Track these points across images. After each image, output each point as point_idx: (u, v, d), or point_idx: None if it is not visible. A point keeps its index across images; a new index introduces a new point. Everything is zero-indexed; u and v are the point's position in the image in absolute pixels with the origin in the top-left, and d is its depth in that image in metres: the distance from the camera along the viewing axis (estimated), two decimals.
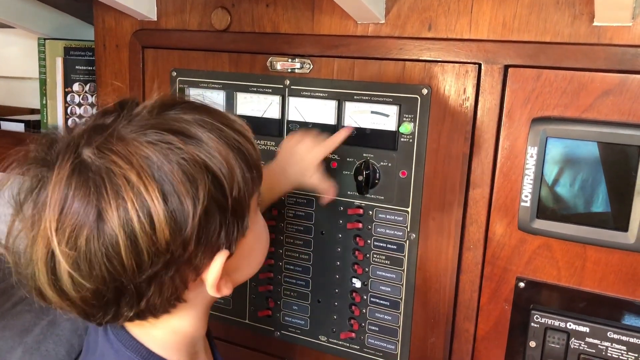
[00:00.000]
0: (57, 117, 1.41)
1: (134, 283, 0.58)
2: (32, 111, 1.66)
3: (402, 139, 0.97)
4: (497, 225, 0.94)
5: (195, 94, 1.13)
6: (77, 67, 1.39)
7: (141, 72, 1.19)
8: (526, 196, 0.89)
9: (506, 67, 0.90)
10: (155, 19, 1.18)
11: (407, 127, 0.95)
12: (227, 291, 0.66)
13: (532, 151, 0.87)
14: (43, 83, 1.41)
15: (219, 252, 0.63)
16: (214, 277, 0.63)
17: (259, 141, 1.10)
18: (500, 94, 0.90)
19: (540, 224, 0.89)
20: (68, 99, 1.39)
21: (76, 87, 1.39)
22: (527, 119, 0.89)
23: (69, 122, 1.40)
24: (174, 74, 1.16)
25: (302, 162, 0.96)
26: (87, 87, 1.40)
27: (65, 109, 1.40)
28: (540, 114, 0.88)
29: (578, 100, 0.86)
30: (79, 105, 1.41)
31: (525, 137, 0.89)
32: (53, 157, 0.59)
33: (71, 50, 1.38)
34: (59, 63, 1.38)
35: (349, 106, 1.01)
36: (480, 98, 0.92)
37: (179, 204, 0.57)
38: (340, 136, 0.97)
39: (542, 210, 0.88)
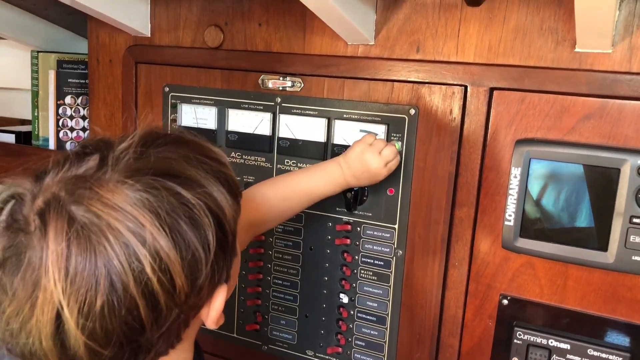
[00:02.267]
0: (48, 129, 1.42)
1: (149, 340, 0.55)
2: (23, 122, 1.67)
3: None
4: (481, 243, 0.96)
5: (188, 110, 1.15)
6: (69, 79, 1.40)
7: (134, 87, 1.20)
8: (510, 215, 0.91)
9: (491, 90, 0.92)
10: (149, 35, 1.19)
11: (395, 146, 0.97)
12: (222, 321, 0.64)
13: (516, 172, 0.90)
14: (35, 95, 1.42)
15: (220, 287, 0.60)
16: (216, 314, 0.61)
17: (249, 157, 1.11)
18: (486, 116, 0.93)
19: (524, 243, 0.91)
20: (60, 111, 1.40)
21: (68, 99, 1.40)
22: (511, 140, 0.92)
23: (60, 134, 1.41)
24: (167, 89, 1.17)
25: (375, 176, 0.94)
26: (79, 100, 1.41)
27: (57, 121, 1.41)
28: (524, 135, 0.91)
29: (561, 123, 0.89)
30: (71, 117, 1.42)
31: (509, 158, 0.92)
32: (21, 221, 0.52)
33: (64, 63, 1.40)
34: (52, 75, 1.39)
35: (339, 124, 1.03)
36: (466, 119, 0.94)
37: (192, 253, 0.54)
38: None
39: (525, 229, 0.91)
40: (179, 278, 0.53)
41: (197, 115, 1.14)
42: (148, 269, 0.51)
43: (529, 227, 0.90)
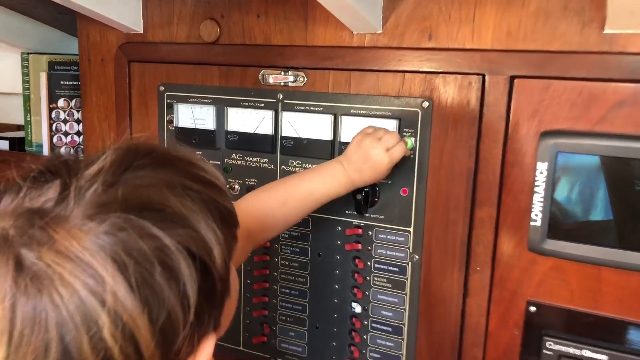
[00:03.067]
0: (41, 134, 1.35)
1: None
2: (19, 127, 1.61)
3: (404, 156, 0.91)
4: (505, 245, 0.88)
5: (184, 111, 1.07)
6: (62, 82, 1.33)
7: (127, 87, 1.13)
8: (536, 215, 0.83)
9: (512, 78, 0.84)
10: (142, 32, 1.12)
11: (407, 143, 0.90)
12: None
13: (542, 167, 0.82)
14: (27, 99, 1.36)
15: (207, 336, 0.51)
16: None
17: (251, 158, 1.04)
18: (506, 107, 0.85)
19: (552, 245, 0.83)
20: (53, 115, 1.34)
21: (61, 102, 1.34)
22: (535, 133, 0.84)
23: (54, 139, 1.35)
24: (162, 88, 1.10)
25: (378, 166, 0.85)
26: (72, 103, 1.34)
27: (50, 125, 1.34)
28: (549, 127, 0.83)
29: (589, 112, 0.81)
30: (65, 121, 1.35)
31: (534, 152, 0.84)
32: None
33: (56, 64, 1.33)
34: (43, 78, 1.32)
35: (346, 120, 0.95)
36: (484, 111, 0.87)
37: (167, 314, 0.44)
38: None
39: (554, 230, 0.83)
40: (147, 347, 0.43)
41: (194, 116, 1.06)
42: (107, 337, 0.42)
43: (557, 227, 0.83)
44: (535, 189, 0.83)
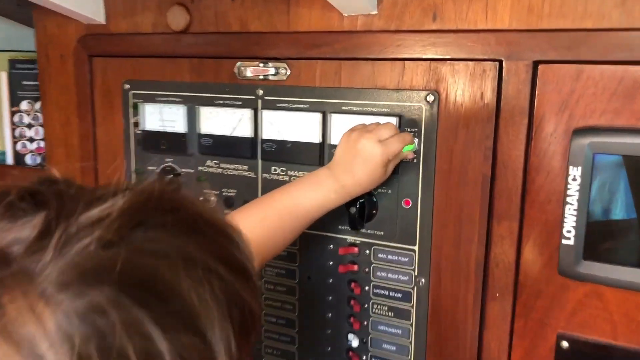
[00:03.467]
0: (4, 141, 1.21)
1: None
2: None
3: (404, 160, 0.77)
4: (530, 267, 0.73)
5: (152, 111, 0.93)
6: (24, 82, 1.19)
7: (89, 86, 0.99)
8: (569, 231, 0.68)
9: (535, 64, 0.69)
10: (104, 22, 0.98)
11: (410, 145, 0.75)
12: None
13: (575, 172, 0.66)
14: None
15: None
16: None
17: (228, 165, 0.89)
18: (529, 99, 0.70)
19: (588, 267, 0.68)
20: (16, 119, 1.20)
21: (24, 105, 1.20)
22: (565, 131, 0.69)
23: (18, 146, 1.21)
24: (127, 86, 0.96)
25: (370, 162, 0.71)
26: (36, 105, 1.20)
27: (13, 131, 1.20)
28: (582, 123, 0.68)
29: (634, 103, 0.65)
30: (29, 126, 1.21)
31: (564, 154, 0.69)
32: None
33: (17, 62, 1.19)
34: (4, 78, 1.18)
35: (336, 119, 0.80)
36: (502, 105, 0.71)
37: None
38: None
39: (591, 249, 0.67)
40: None
41: (162, 117, 0.92)
42: None
43: (595, 245, 0.67)
44: (567, 199, 0.67)
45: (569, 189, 0.67)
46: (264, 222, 0.72)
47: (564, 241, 0.68)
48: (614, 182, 0.66)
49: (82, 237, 0.33)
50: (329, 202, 0.73)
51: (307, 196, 0.73)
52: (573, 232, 0.67)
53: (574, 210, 0.67)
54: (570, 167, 0.67)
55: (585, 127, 0.67)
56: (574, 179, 0.67)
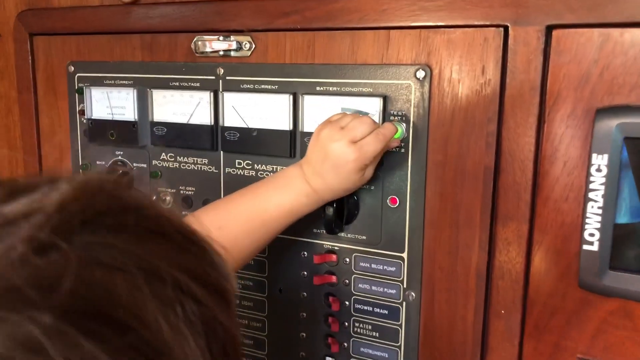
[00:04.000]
0: None
1: None
2: None
3: (389, 149, 0.64)
4: (542, 279, 0.60)
5: (99, 97, 0.80)
6: None
7: (30, 69, 0.86)
8: (591, 234, 0.55)
9: (549, 29, 0.56)
10: None
11: (397, 129, 0.62)
12: None
13: (600, 161, 0.54)
14: None
15: None
16: None
17: (185, 159, 0.76)
18: (541, 73, 0.57)
19: (616, 279, 0.55)
20: None
21: None
22: (586, 111, 0.56)
23: None
24: (71, 68, 0.83)
25: (341, 167, 0.59)
26: None
27: None
28: (608, 101, 0.55)
29: None
30: None
31: (585, 140, 0.56)
32: None
33: None
34: None
35: (310, 102, 0.67)
36: (508, 81, 0.58)
37: None
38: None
39: (619, 257, 0.54)
40: None
41: (110, 103, 0.79)
42: None
43: (624, 252, 0.54)
44: (590, 194, 0.54)
45: (591, 182, 0.54)
46: (222, 232, 0.59)
47: (585, 247, 0.55)
48: None
49: (3, 236, 0.24)
50: (300, 207, 0.61)
51: (275, 199, 0.61)
52: (597, 235, 0.54)
53: (599, 208, 0.54)
54: (594, 156, 0.54)
55: (612, 106, 0.54)
56: (599, 170, 0.54)
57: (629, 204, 0.54)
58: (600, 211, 0.54)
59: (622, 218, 0.54)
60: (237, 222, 0.61)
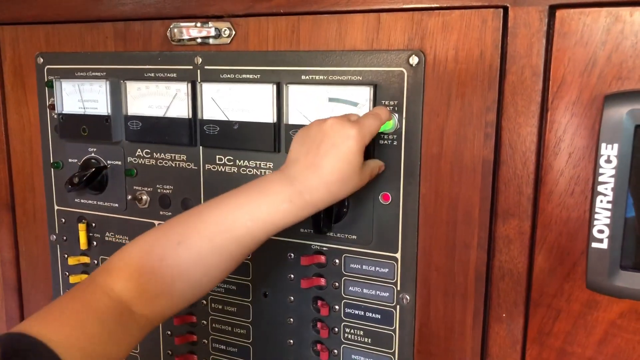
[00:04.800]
0: None
1: None
2: None
3: (380, 141, 0.59)
4: (546, 279, 0.56)
5: (70, 90, 0.74)
6: None
7: None
8: (601, 231, 0.50)
9: (552, 9, 0.52)
10: None
11: (387, 122, 0.57)
12: None
13: (610, 152, 0.49)
14: None
15: None
16: None
17: (162, 155, 0.71)
18: (544, 56, 0.53)
19: (627, 279, 0.51)
20: None
21: None
22: (594, 97, 0.51)
23: None
24: (40, 60, 0.78)
25: (344, 150, 0.52)
26: None
27: None
28: (617, 86, 0.51)
29: None
30: None
31: (593, 129, 0.51)
32: None
33: None
34: None
35: (295, 92, 0.63)
36: (508, 66, 0.54)
37: None
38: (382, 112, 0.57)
39: (631, 256, 0.50)
40: None
41: (82, 97, 0.74)
42: None
43: (636, 250, 0.50)
44: (599, 188, 0.50)
45: (600, 174, 0.50)
46: (181, 247, 0.52)
47: (594, 244, 0.51)
48: None
49: None
50: (281, 216, 0.52)
51: (248, 209, 0.52)
52: (607, 232, 0.50)
53: (608, 202, 0.50)
54: (603, 146, 0.50)
55: (622, 92, 0.50)
56: (608, 161, 0.49)
57: None
58: (610, 206, 0.50)
59: (634, 212, 0.49)
60: (201, 237, 0.52)
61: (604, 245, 0.51)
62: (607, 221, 0.50)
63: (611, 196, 0.50)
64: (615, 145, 0.49)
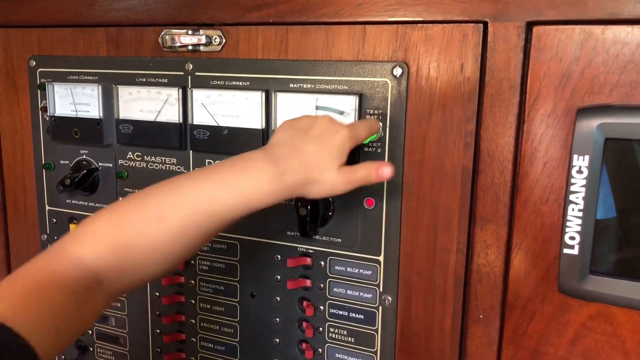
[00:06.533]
0: None
1: None
2: None
3: (365, 149, 0.61)
4: (522, 283, 0.58)
5: (63, 93, 0.76)
6: None
7: None
8: (572, 238, 0.53)
9: (529, 26, 0.54)
10: None
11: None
12: None
13: (581, 163, 0.52)
14: None
15: None
16: None
17: (153, 158, 0.73)
18: (521, 71, 0.55)
19: (596, 283, 0.53)
20: None
21: None
22: (567, 110, 0.54)
23: None
24: (33, 63, 0.79)
25: (332, 142, 0.54)
26: None
27: None
28: (590, 100, 0.53)
29: None
30: None
31: (566, 140, 0.54)
32: None
33: None
34: None
35: (283, 99, 0.65)
36: (487, 79, 0.57)
37: None
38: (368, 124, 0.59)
39: (600, 261, 0.53)
40: None
41: (74, 100, 0.75)
42: None
43: (605, 256, 0.53)
44: (571, 197, 0.53)
45: (572, 184, 0.53)
46: (163, 223, 0.51)
47: (565, 250, 0.54)
48: (631, 174, 0.51)
49: None
50: (261, 196, 0.52)
51: (230, 186, 0.52)
52: (578, 238, 0.53)
53: (579, 211, 0.53)
54: (575, 157, 0.52)
55: (594, 106, 0.53)
56: (579, 172, 0.52)
57: (612, 206, 0.52)
58: (580, 214, 0.53)
59: (604, 220, 0.52)
60: (182, 213, 0.52)
61: (575, 251, 0.53)
62: (578, 228, 0.53)
63: (582, 205, 0.52)
64: (587, 157, 0.52)
